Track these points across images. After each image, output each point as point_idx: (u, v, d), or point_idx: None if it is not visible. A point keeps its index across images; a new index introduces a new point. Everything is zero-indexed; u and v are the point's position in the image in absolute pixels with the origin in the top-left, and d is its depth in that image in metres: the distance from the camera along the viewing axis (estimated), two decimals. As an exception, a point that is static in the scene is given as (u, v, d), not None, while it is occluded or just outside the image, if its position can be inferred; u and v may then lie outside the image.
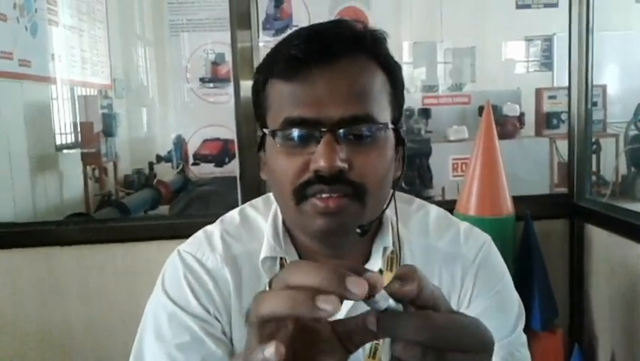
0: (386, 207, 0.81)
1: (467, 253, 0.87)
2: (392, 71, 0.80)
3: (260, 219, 0.89)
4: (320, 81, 0.73)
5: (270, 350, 0.44)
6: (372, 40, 0.78)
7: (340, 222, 0.74)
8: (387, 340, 0.83)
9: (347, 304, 0.80)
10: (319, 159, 0.71)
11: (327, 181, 0.72)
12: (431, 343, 0.47)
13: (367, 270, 0.46)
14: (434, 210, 0.93)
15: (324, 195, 0.73)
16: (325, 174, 0.72)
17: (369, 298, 0.45)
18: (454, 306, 0.84)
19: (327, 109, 0.73)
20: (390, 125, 0.78)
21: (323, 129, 0.72)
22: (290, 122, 0.74)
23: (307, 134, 0.74)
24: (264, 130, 0.80)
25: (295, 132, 0.74)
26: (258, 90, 0.81)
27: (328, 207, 0.73)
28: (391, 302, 0.47)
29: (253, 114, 0.84)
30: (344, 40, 0.75)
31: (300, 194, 0.75)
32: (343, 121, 0.73)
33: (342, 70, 0.74)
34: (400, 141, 0.81)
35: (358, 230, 0.76)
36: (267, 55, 0.80)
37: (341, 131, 0.73)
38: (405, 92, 0.84)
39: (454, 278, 0.86)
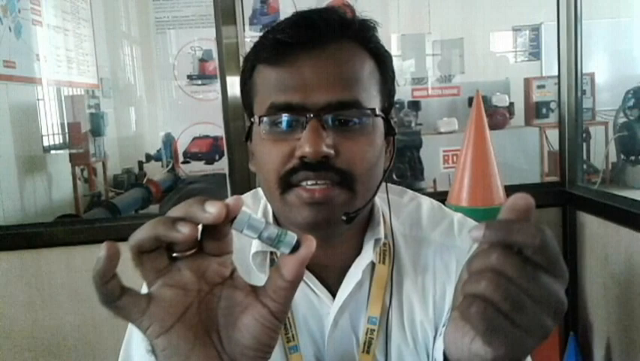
0: (373, 196, 0.79)
1: (462, 243, 0.85)
2: (382, 60, 0.78)
3: (248, 214, 0.87)
4: (307, 66, 0.72)
5: (102, 249, 0.49)
6: (360, 27, 0.76)
7: (327, 212, 0.73)
8: (382, 336, 0.82)
9: (341, 296, 0.79)
10: (304, 144, 0.70)
11: (313, 168, 0.71)
12: (539, 253, 0.48)
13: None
14: (427, 202, 0.91)
15: (309, 182, 0.71)
16: (310, 160, 0.70)
17: (232, 222, 0.49)
18: (449, 298, 0.83)
19: (313, 94, 0.71)
20: (379, 113, 0.76)
21: (309, 115, 0.71)
22: (276, 108, 0.73)
23: (293, 119, 0.72)
24: (252, 119, 0.78)
25: (281, 118, 0.73)
26: (246, 79, 0.79)
27: (314, 197, 0.71)
28: (273, 230, 0.49)
29: (241, 110, 0.82)
30: (332, 25, 0.73)
31: (286, 182, 0.73)
32: (329, 106, 0.71)
33: (330, 55, 0.73)
34: (390, 131, 0.79)
35: (344, 217, 0.74)
36: (255, 43, 0.78)
37: (327, 116, 0.71)
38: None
39: (449, 269, 0.84)
